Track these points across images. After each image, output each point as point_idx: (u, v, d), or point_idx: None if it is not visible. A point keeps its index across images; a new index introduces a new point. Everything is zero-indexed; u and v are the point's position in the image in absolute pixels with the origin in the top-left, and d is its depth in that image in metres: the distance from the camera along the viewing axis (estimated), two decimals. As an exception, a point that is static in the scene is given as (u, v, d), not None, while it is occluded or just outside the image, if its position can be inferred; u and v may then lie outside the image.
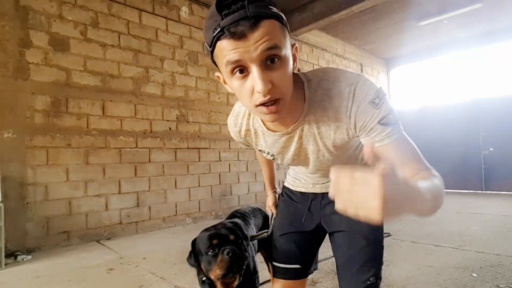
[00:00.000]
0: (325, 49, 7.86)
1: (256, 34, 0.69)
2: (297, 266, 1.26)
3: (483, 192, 8.08)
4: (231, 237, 1.22)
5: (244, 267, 1.21)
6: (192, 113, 5.22)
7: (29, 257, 3.40)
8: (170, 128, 4.94)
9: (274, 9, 0.74)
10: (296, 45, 0.83)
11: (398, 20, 7.09)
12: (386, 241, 3.47)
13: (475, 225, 4.39)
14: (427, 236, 3.81)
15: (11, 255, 3.37)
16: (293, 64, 0.80)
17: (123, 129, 4.45)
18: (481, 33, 7.98)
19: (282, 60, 0.75)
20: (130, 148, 4.50)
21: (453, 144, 8.50)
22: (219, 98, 5.62)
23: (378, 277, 1.12)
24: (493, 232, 3.95)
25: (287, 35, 0.77)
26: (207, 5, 5.51)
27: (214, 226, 1.28)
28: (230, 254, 1.14)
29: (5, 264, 3.11)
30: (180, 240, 4.04)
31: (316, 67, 7.61)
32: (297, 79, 0.89)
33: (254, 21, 0.69)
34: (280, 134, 0.98)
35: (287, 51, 0.76)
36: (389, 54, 9.56)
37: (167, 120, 4.91)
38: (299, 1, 6.40)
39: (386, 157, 0.53)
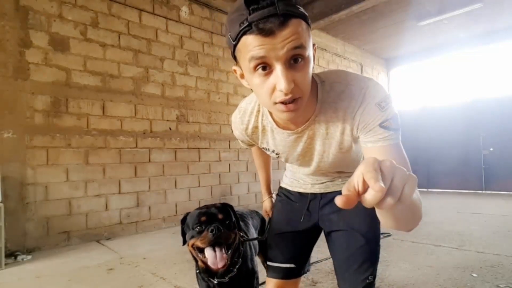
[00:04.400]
0: (325, 49, 7.86)
1: (285, 32, 0.68)
2: (292, 265, 1.26)
3: (483, 192, 8.07)
4: (220, 216, 1.24)
5: (233, 245, 1.23)
6: (192, 113, 5.22)
7: (29, 257, 3.40)
8: (170, 128, 4.94)
9: (301, 9, 0.73)
10: (316, 45, 0.83)
11: (398, 20, 7.09)
12: (386, 241, 3.49)
13: (475, 225, 4.38)
14: (427, 236, 3.81)
15: (11, 255, 3.36)
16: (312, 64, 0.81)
17: (123, 129, 4.44)
18: (481, 33, 7.98)
19: (306, 60, 0.75)
20: (130, 148, 4.50)
21: (453, 144, 8.50)
22: (219, 98, 5.61)
23: (374, 276, 1.13)
24: (493, 232, 3.95)
25: (311, 35, 0.78)
26: (207, 5, 5.51)
27: (206, 206, 1.32)
28: (214, 232, 1.16)
29: (5, 264, 3.11)
30: (180, 240, 4.04)
31: (316, 67, 7.61)
32: (311, 80, 0.88)
33: (284, 19, 0.68)
34: (289, 133, 0.98)
35: (310, 52, 0.77)
36: (389, 54, 9.56)
37: (167, 120, 4.91)
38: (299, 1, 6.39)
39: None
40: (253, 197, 6.08)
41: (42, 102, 3.80)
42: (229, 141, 5.72)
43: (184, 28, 5.20)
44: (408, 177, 0.47)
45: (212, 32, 5.58)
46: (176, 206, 4.96)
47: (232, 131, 1.23)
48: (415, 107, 9.43)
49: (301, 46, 0.71)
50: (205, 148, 5.38)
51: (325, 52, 7.86)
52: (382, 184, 0.44)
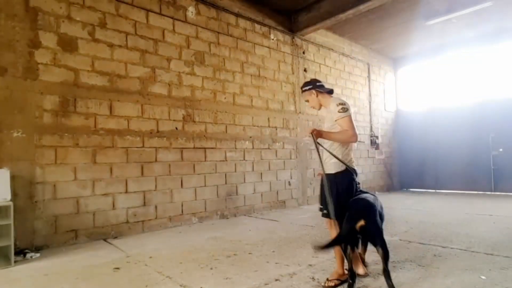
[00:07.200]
0: (332, 49, 7.82)
1: None
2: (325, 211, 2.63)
3: (492, 193, 7.96)
4: None
5: None
6: (198, 113, 5.24)
7: (38, 254, 3.45)
8: (176, 128, 4.96)
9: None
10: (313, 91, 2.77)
11: (406, 19, 7.03)
12: (393, 242, 3.44)
13: (484, 226, 4.32)
14: (434, 238, 3.77)
15: (20, 252, 3.42)
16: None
17: (130, 128, 4.48)
18: (490, 32, 7.86)
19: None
20: (137, 147, 4.53)
21: (462, 145, 8.40)
22: (225, 98, 5.62)
23: (328, 212, 2.50)
24: (503, 234, 3.89)
25: (311, 94, 2.78)
26: (214, 5, 5.52)
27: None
28: None
29: (15, 262, 3.16)
30: (186, 240, 4.06)
31: (322, 66, 7.57)
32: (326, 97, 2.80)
33: None
34: None
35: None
36: (396, 54, 9.47)
37: (174, 120, 4.94)
38: (305, 1, 6.37)
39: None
40: (259, 197, 6.08)
41: (50, 102, 3.85)
42: (235, 141, 5.72)
43: (190, 28, 5.22)
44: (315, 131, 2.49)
45: (218, 32, 5.59)
46: (182, 205, 4.98)
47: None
48: (423, 108, 9.34)
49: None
50: (211, 148, 5.39)
51: (331, 52, 7.82)
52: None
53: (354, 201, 2.48)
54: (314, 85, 2.75)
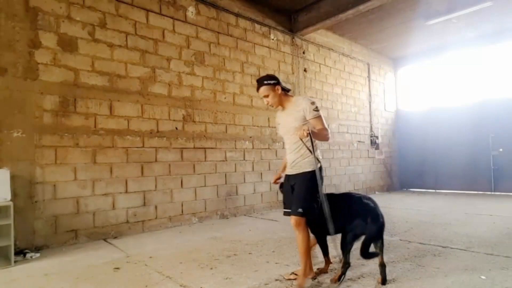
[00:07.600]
0: (332, 49, 7.82)
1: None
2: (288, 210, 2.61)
3: (492, 193, 7.96)
4: None
5: None
6: (198, 113, 5.24)
7: (38, 254, 3.45)
8: (176, 128, 4.96)
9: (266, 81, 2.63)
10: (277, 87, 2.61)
11: (406, 19, 7.03)
12: (393, 243, 3.44)
13: (484, 226, 4.32)
14: (434, 238, 3.77)
15: (20, 252, 3.42)
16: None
17: (130, 128, 4.48)
18: (490, 32, 7.86)
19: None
20: (137, 147, 4.53)
21: (461, 145, 8.40)
22: (225, 98, 5.62)
23: (304, 210, 2.43)
24: (503, 234, 3.89)
25: (274, 89, 2.60)
26: (214, 5, 5.52)
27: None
28: None
29: (15, 262, 3.16)
30: (186, 240, 4.06)
31: (322, 66, 7.57)
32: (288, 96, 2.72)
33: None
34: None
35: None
36: (396, 54, 9.47)
37: (174, 120, 4.94)
38: (305, 1, 6.38)
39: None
40: (259, 197, 6.08)
41: (50, 102, 3.85)
42: (235, 141, 5.72)
43: (190, 28, 5.22)
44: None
45: (218, 32, 5.59)
46: (182, 205, 4.98)
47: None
48: (423, 108, 9.34)
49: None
50: (211, 148, 5.39)
51: (331, 52, 7.82)
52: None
53: (361, 200, 2.55)
54: (278, 81, 2.61)
